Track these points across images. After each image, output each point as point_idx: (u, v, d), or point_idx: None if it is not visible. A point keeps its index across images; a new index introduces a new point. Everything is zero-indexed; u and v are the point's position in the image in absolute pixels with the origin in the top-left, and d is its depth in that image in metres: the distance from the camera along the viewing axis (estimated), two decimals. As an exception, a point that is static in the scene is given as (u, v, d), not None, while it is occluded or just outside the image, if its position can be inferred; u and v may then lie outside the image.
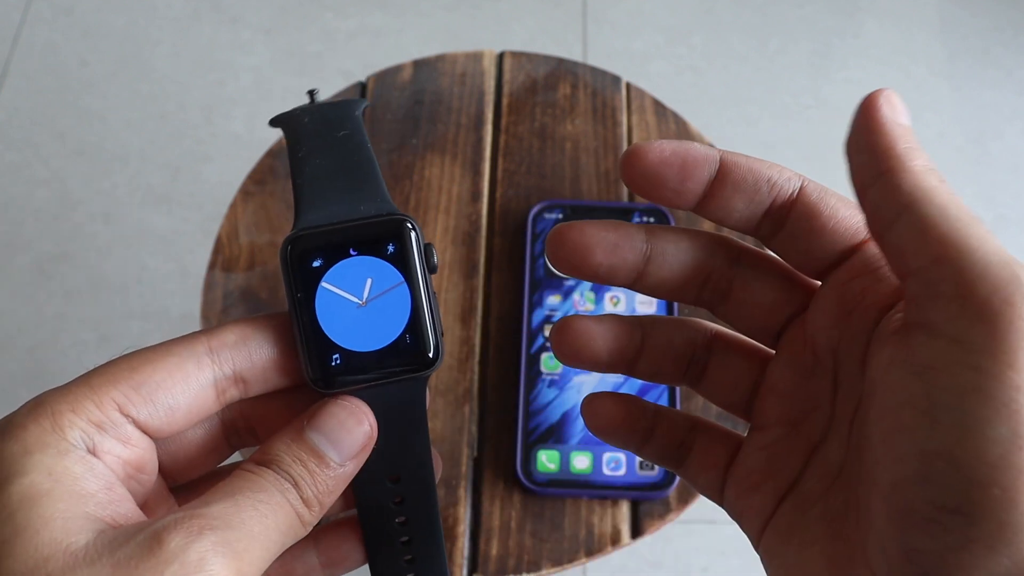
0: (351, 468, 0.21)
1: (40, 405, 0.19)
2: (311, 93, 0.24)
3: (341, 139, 0.23)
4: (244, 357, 0.21)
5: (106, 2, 1.20)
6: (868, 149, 0.20)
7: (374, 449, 0.22)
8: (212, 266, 0.56)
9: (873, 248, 0.21)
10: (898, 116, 0.20)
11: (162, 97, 1.13)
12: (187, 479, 0.23)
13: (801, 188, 0.22)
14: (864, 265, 0.21)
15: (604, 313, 0.22)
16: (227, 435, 0.23)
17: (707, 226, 0.53)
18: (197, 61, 1.16)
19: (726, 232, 0.24)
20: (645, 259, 0.22)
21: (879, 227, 0.19)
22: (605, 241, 0.22)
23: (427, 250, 0.22)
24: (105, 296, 1.01)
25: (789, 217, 0.22)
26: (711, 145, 0.62)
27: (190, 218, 1.06)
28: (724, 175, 0.21)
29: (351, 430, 0.21)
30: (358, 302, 0.22)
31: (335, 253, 0.22)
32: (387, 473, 0.23)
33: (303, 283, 0.21)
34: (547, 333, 0.52)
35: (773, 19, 1.19)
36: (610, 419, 0.23)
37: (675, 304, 0.52)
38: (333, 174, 0.22)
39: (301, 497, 0.20)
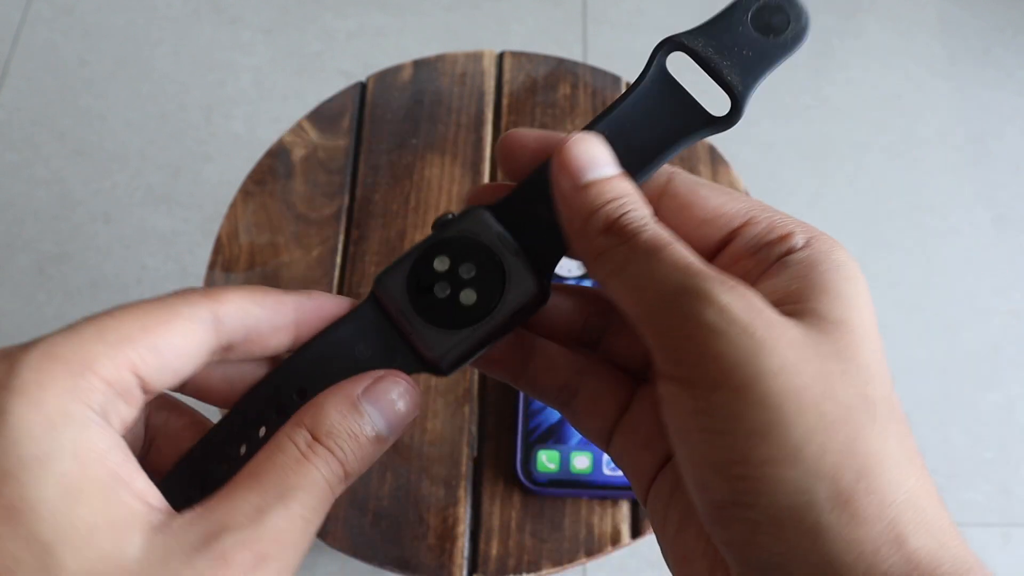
0: (392, 441, 0.22)
1: (53, 358, 0.18)
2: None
3: None
4: (240, 330, 0.21)
5: (106, 2, 1.20)
6: (566, 227, 0.21)
7: (313, 364, 0.22)
8: (212, 266, 0.56)
9: (750, 231, 0.21)
10: (579, 175, 0.20)
11: (162, 97, 1.13)
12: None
13: (669, 180, 0.22)
14: (744, 250, 0.21)
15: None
16: None
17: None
18: (197, 61, 1.16)
19: None
20: None
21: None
22: None
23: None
24: (105, 296, 1.01)
25: (659, 207, 0.22)
26: (712, 148, 0.62)
27: (190, 218, 1.06)
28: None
29: (405, 409, 0.21)
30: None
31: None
32: (303, 386, 0.23)
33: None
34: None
35: (773, 19, 1.19)
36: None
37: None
38: None
39: (344, 472, 0.20)
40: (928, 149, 1.12)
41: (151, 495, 0.19)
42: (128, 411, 0.19)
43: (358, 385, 0.21)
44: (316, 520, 0.20)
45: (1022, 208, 1.09)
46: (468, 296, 0.23)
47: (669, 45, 0.23)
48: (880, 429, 0.18)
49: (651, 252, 0.19)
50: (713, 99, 0.24)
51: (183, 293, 0.21)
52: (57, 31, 1.17)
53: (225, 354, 0.22)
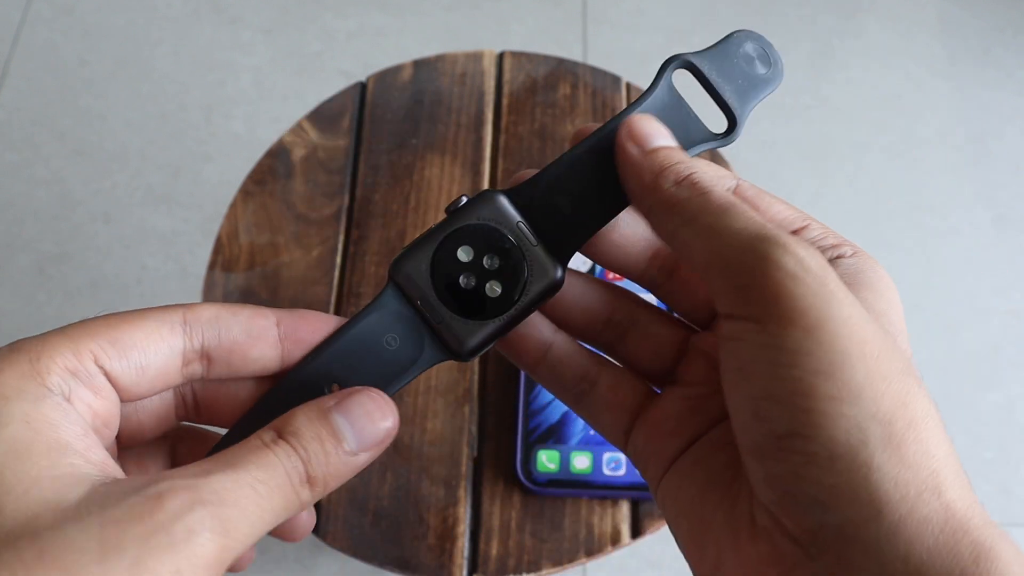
0: (364, 459, 0.22)
1: (16, 350, 0.20)
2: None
3: None
4: (213, 335, 0.22)
5: (106, 2, 1.20)
6: (627, 189, 0.23)
7: (345, 357, 0.23)
8: (212, 266, 0.56)
9: (807, 234, 0.23)
10: (647, 142, 0.23)
11: (162, 97, 1.13)
12: (134, 443, 0.23)
13: (737, 185, 0.24)
14: None
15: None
16: (176, 407, 0.24)
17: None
18: (197, 61, 1.16)
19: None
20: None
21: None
22: None
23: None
24: (105, 296, 1.01)
25: None
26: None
27: (190, 218, 1.06)
28: None
29: (376, 422, 0.22)
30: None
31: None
32: (335, 381, 0.24)
33: None
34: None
35: (773, 19, 1.19)
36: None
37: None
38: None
39: (308, 474, 0.20)
40: (928, 149, 1.12)
41: (110, 466, 0.20)
42: (96, 400, 0.20)
43: (332, 398, 0.22)
44: (268, 496, 0.19)
45: (1022, 208, 1.09)
46: (493, 288, 0.24)
47: (678, 62, 0.25)
48: (924, 395, 0.19)
49: (726, 207, 0.21)
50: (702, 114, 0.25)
51: (167, 305, 0.22)
52: (57, 31, 1.18)
53: (210, 367, 0.22)
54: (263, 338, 0.23)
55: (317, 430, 0.21)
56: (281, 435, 0.21)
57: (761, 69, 0.25)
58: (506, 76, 0.63)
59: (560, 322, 0.25)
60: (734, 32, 0.25)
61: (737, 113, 0.24)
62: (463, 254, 0.24)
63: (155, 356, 0.21)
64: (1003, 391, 0.98)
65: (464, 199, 0.24)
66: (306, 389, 0.23)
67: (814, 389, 0.18)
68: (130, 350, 0.21)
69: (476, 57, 0.64)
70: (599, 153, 0.24)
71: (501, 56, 0.64)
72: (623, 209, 0.24)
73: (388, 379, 0.24)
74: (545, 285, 0.24)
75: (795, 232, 0.23)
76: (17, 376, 0.19)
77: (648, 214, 0.23)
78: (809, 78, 1.16)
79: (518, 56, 0.64)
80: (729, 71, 0.25)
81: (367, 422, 0.21)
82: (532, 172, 0.25)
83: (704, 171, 0.22)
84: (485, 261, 0.24)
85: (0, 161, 1.09)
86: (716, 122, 0.25)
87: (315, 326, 0.23)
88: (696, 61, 0.24)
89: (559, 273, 0.24)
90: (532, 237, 0.24)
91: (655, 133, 0.23)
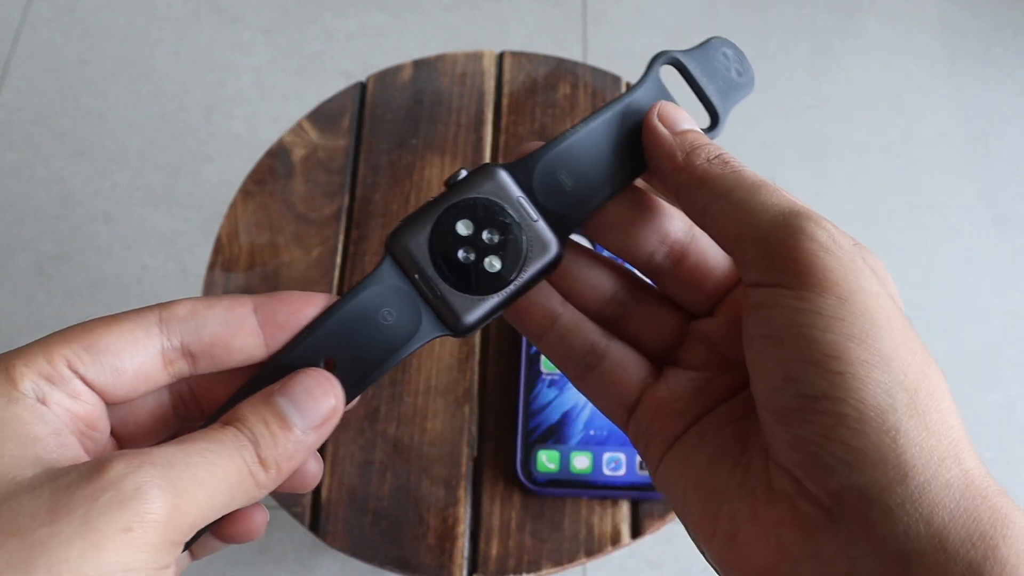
0: (313, 438, 0.22)
1: None
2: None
3: None
4: (191, 331, 0.22)
5: (106, 2, 1.20)
6: (657, 168, 0.24)
7: (340, 332, 0.23)
8: (212, 266, 0.56)
9: None
10: (676, 125, 0.24)
11: (162, 97, 1.13)
12: (136, 446, 0.23)
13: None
14: None
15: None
16: (175, 406, 0.24)
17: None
18: (197, 61, 1.16)
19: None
20: None
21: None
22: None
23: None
24: (105, 296, 1.01)
25: None
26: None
27: (190, 218, 1.06)
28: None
29: (318, 400, 0.22)
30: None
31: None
32: (331, 356, 0.23)
33: None
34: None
35: (773, 19, 1.19)
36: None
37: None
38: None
39: (258, 456, 0.21)
40: (928, 149, 1.12)
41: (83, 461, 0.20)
42: (75, 404, 0.21)
43: (278, 383, 0.22)
44: (221, 465, 0.20)
45: (1022, 208, 1.09)
46: (492, 264, 0.24)
47: (666, 57, 0.25)
48: (940, 372, 0.20)
49: (759, 183, 0.22)
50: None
51: (144, 307, 0.23)
52: (57, 31, 1.17)
53: (196, 363, 0.22)
54: (242, 327, 0.23)
55: (262, 413, 0.21)
56: (228, 423, 0.21)
57: (736, 75, 0.26)
58: (506, 76, 0.63)
59: (566, 295, 0.26)
60: (712, 38, 0.26)
61: (720, 111, 0.25)
62: (463, 228, 0.24)
63: (130, 359, 0.21)
64: (1003, 391, 0.98)
65: (464, 172, 0.24)
66: (297, 368, 0.23)
67: (848, 353, 0.19)
68: (103, 354, 0.21)
69: (476, 57, 0.64)
70: (602, 132, 0.24)
71: (501, 56, 0.64)
72: (625, 187, 0.25)
73: (384, 354, 0.24)
74: (545, 262, 0.24)
75: None
76: None
77: (678, 190, 0.23)
78: (809, 78, 1.16)
79: (518, 56, 0.64)
80: (711, 72, 0.25)
81: (310, 401, 0.22)
82: (536, 144, 0.24)
83: (730, 154, 0.23)
84: (485, 235, 0.24)
85: (0, 161, 1.09)
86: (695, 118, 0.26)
87: (294, 307, 0.23)
88: (683, 58, 0.25)
89: (559, 249, 0.24)
90: (532, 212, 0.24)
91: (682, 118, 0.24)
